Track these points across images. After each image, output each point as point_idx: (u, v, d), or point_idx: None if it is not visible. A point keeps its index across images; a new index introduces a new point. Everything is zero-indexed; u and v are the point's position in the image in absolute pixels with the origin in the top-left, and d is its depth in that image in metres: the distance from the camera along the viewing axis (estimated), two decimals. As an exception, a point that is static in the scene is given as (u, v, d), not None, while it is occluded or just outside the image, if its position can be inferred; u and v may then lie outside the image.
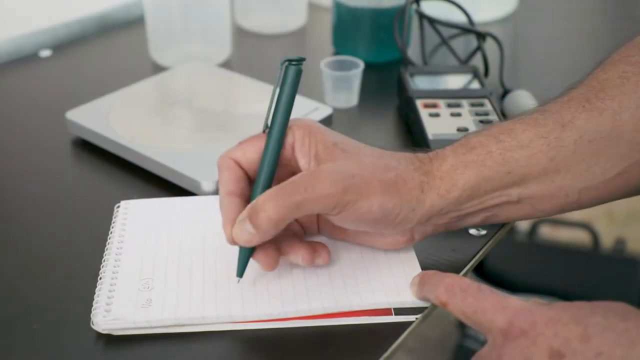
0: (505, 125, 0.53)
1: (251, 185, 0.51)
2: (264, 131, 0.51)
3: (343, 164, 0.49)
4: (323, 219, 0.55)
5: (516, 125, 0.53)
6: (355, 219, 0.49)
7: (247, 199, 0.50)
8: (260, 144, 0.51)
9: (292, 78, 0.51)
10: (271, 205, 0.47)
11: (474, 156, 0.52)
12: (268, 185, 0.50)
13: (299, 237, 0.54)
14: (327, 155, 0.49)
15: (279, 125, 0.50)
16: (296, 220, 0.54)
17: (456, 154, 0.52)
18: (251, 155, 0.51)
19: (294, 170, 0.51)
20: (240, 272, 0.51)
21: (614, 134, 0.51)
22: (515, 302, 0.44)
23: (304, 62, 0.51)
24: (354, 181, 0.48)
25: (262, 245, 0.50)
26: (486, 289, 0.46)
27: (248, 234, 0.48)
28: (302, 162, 0.50)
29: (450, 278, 0.48)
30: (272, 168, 0.50)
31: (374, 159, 0.50)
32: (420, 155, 0.53)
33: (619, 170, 0.52)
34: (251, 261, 0.54)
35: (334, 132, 0.52)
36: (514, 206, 0.53)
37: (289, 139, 0.50)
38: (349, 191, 0.48)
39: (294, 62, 0.51)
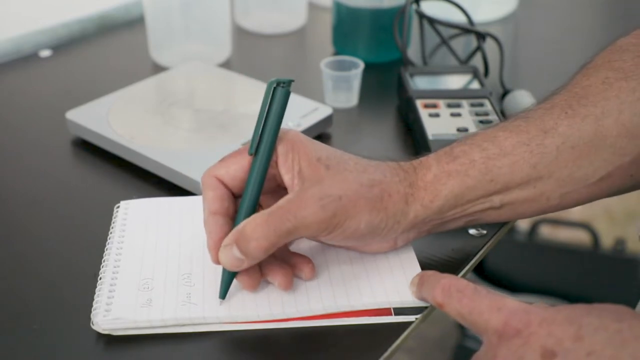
0: (489, 132, 0.54)
1: (235, 203, 0.51)
2: (250, 154, 0.50)
3: (328, 185, 0.48)
4: None
5: (499, 133, 0.53)
6: (344, 237, 0.50)
7: (232, 217, 0.50)
8: (243, 161, 0.50)
9: (280, 100, 0.50)
10: (262, 233, 0.47)
11: (457, 166, 0.52)
12: (253, 207, 0.50)
13: (282, 256, 0.53)
14: (311, 172, 0.49)
15: (265, 148, 0.49)
16: None
17: (440, 163, 0.52)
18: (234, 172, 0.50)
19: (279, 184, 0.51)
20: (223, 294, 0.51)
21: (597, 140, 0.51)
22: (511, 303, 0.44)
23: (293, 81, 0.50)
24: (341, 203, 0.48)
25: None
26: (482, 290, 0.46)
27: (236, 260, 0.48)
28: (287, 178, 0.49)
29: (447, 279, 0.48)
30: (257, 191, 0.49)
31: (358, 173, 0.50)
32: (404, 164, 0.53)
33: (602, 175, 0.52)
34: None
35: (318, 144, 0.51)
36: (495, 211, 0.54)
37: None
38: (338, 214, 0.48)
39: (283, 84, 0.50)
